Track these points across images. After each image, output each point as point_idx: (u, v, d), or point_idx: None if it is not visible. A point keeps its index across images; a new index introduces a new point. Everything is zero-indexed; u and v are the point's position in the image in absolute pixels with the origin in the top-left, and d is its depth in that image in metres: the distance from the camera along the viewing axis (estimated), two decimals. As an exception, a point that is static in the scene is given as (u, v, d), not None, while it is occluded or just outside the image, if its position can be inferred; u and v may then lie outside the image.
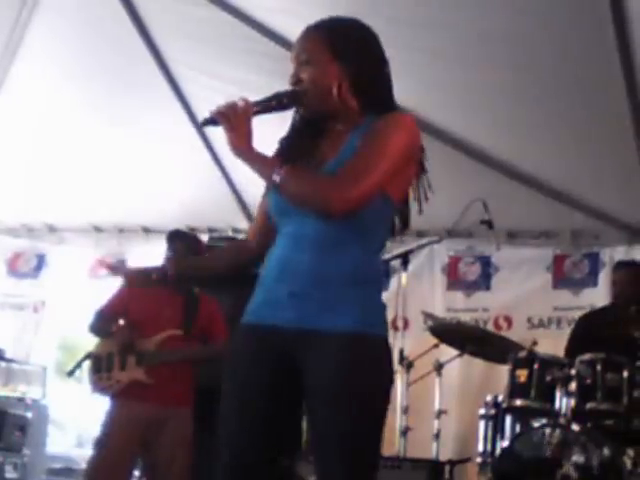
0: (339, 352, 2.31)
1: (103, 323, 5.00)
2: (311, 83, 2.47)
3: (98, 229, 7.67)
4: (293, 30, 5.09)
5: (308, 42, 2.53)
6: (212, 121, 2.45)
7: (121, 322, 4.99)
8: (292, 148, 2.52)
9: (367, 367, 2.32)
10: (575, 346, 5.44)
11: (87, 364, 5.03)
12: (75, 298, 7.51)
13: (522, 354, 5.00)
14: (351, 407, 2.28)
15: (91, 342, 5.20)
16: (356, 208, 2.34)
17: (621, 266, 5.82)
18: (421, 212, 2.57)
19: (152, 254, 5.25)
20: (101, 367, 4.91)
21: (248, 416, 2.38)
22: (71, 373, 5.15)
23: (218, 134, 7.07)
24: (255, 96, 2.50)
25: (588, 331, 5.50)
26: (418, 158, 2.49)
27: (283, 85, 2.55)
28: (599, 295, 6.45)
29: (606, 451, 4.49)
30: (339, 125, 2.52)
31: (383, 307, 2.45)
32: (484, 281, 6.90)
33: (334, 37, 2.50)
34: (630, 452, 4.62)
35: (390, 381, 2.40)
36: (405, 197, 2.52)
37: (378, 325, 2.40)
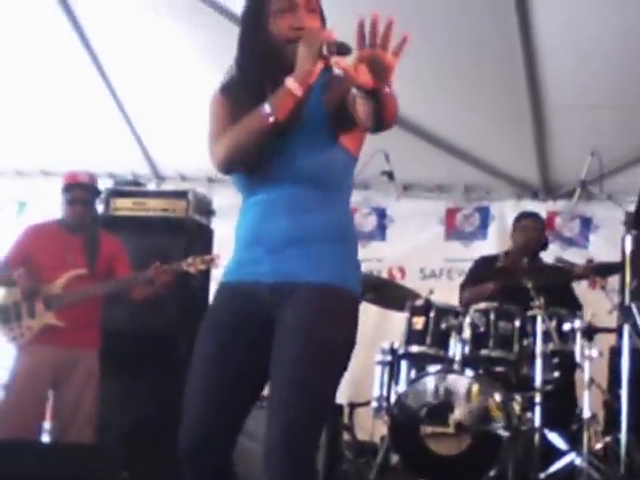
0: (312, 299, 2.35)
1: (6, 273, 4.94)
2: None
3: (-4, 172, 7.44)
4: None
5: None
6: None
7: (21, 270, 4.94)
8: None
9: (336, 316, 2.35)
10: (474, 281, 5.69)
11: None
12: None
13: (419, 302, 5.16)
14: (314, 347, 2.30)
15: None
16: None
17: (525, 216, 5.94)
18: None
19: (51, 197, 5.21)
20: (10, 317, 4.88)
21: (224, 359, 2.40)
22: None
23: (122, 78, 6.86)
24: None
25: (484, 274, 5.65)
26: None
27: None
28: (488, 247, 6.64)
29: (497, 397, 4.69)
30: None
31: (358, 266, 2.48)
32: (379, 232, 7.04)
33: None
34: (518, 398, 4.85)
35: (353, 336, 2.39)
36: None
37: (351, 281, 2.43)
